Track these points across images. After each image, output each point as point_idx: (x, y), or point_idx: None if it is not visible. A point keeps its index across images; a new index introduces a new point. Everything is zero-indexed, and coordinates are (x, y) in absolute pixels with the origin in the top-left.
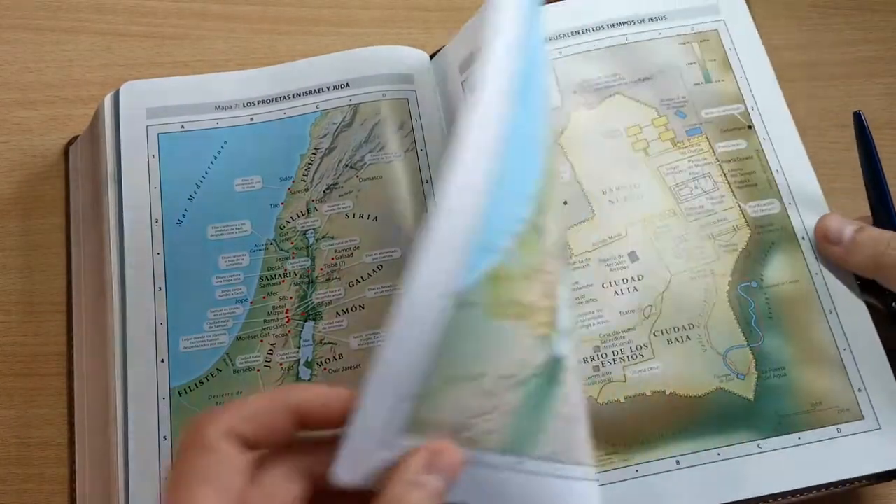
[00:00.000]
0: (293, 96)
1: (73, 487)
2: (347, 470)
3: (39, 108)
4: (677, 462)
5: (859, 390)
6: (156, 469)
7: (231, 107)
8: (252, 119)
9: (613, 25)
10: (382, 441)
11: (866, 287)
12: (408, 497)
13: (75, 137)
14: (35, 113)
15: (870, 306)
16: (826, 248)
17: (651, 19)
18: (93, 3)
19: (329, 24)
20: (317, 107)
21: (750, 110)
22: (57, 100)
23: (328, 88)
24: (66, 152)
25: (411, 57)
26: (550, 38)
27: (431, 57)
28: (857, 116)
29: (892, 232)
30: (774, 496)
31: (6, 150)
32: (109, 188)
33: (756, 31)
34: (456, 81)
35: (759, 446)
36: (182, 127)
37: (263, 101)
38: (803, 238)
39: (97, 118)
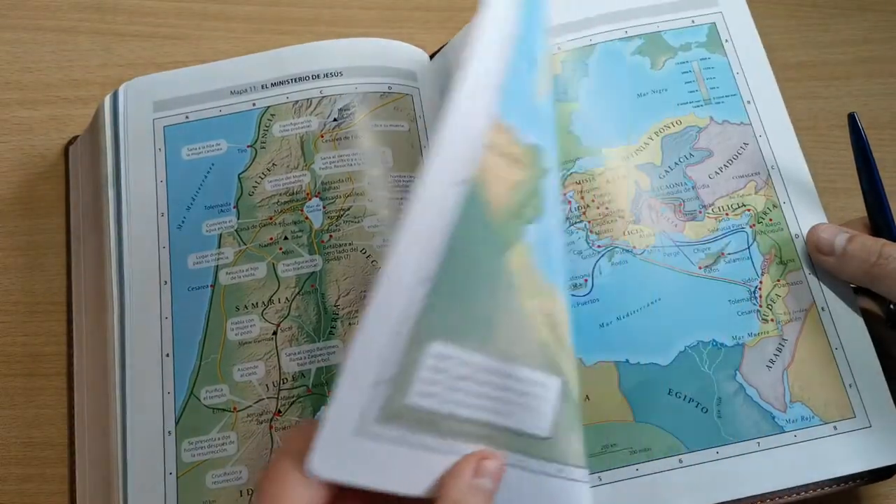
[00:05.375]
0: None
1: (73, 487)
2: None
3: (39, 108)
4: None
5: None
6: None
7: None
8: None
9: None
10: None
11: (863, 292)
12: (468, 500)
13: (75, 137)
14: (35, 113)
15: (865, 311)
16: (818, 258)
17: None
18: (93, 3)
19: (329, 24)
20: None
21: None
22: (57, 100)
23: (330, 75)
24: (66, 152)
25: (414, 54)
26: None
27: (431, 57)
28: (852, 118)
29: (882, 240)
30: (772, 494)
31: (6, 150)
32: (109, 188)
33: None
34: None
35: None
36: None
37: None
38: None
39: (97, 118)
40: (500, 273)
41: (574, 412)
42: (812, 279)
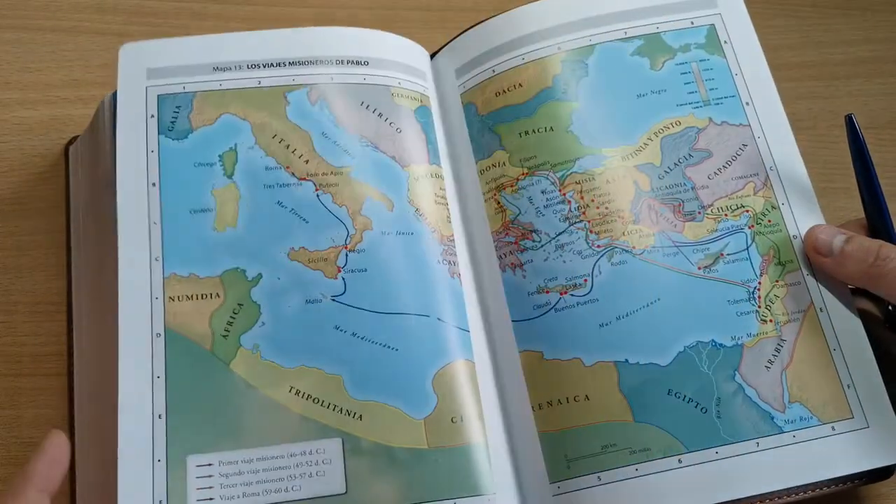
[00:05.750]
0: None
1: (73, 488)
2: None
3: (39, 108)
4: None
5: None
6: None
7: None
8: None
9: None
10: None
11: (862, 293)
12: None
13: (75, 137)
14: (35, 113)
15: (864, 312)
16: (817, 259)
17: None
18: (93, 3)
19: (329, 25)
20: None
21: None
22: (57, 100)
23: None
24: (66, 152)
25: (421, 54)
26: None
27: (431, 57)
28: (850, 120)
29: (879, 241)
30: (771, 494)
31: (6, 150)
32: (109, 188)
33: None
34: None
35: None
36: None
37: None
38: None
39: (97, 118)
40: (231, 382)
41: (376, 460)
42: (810, 280)
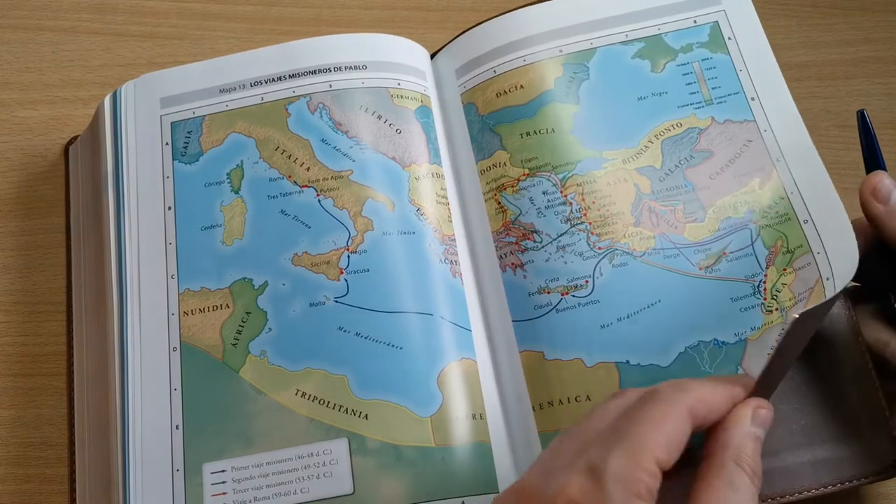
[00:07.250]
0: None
1: (73, 487)
2: None
3: (39, 108)
4: None
5: None
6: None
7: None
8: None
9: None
10: None
11: (865, 290)
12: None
13: (75, 137)
14: (35, 113)
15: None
16: (870, 203)
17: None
18: (93, 3)
19: (329, 25)
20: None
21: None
22: (57, 100)
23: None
24: (66, 152)
25: (421, 54)
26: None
27: (432, 57)
28: (861, 115)
29: None
30: (773, 494)
31: (6, 150)
32: (109, 188)
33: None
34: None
35: None
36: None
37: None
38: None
39: (97, 118)
40: (241, 389)
41: (383, 459)
42: (821, 257)
